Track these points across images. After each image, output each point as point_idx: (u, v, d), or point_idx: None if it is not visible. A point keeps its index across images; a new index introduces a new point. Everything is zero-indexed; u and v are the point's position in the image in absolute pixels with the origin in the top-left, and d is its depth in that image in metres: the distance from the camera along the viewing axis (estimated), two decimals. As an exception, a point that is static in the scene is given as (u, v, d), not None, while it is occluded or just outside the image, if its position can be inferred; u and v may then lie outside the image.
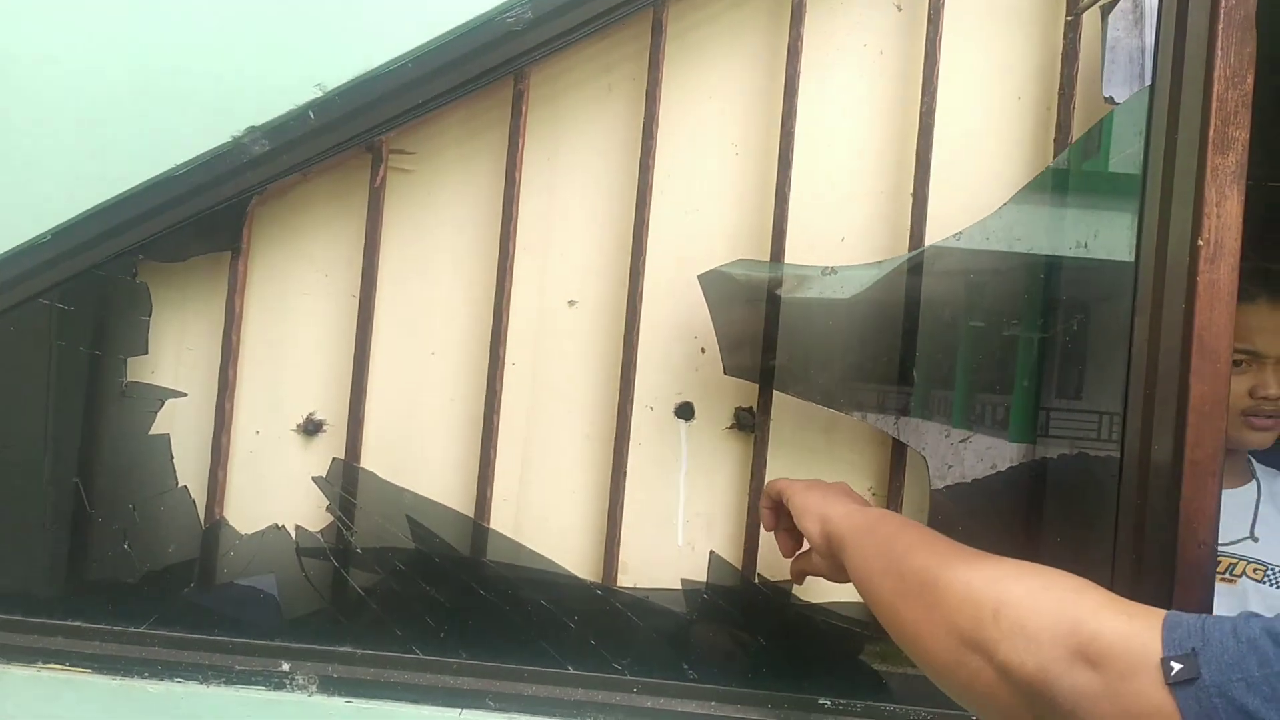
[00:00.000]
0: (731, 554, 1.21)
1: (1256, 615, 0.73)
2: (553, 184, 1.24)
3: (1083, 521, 1.23)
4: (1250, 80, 1.13)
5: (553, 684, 1.15)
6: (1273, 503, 1.63)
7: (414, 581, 1.18)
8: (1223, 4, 1.11)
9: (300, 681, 1.15)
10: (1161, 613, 0.75)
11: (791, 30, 1.20)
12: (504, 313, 1.21)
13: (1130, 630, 0.74)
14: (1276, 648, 0.68)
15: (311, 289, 1.24)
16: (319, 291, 1.24)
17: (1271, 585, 1.56)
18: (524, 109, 1.20)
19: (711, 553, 1.21)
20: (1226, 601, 1.55)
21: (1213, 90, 1.12)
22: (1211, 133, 1.12)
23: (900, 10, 1.23)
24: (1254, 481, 1.64)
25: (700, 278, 1.19)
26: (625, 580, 1.21)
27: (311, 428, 1.23)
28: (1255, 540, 1.57)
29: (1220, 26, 1.11)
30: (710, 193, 1.23)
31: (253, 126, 1.15)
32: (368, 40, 1.15)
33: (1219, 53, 1.11)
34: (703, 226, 1.23)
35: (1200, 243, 1.12)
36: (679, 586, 1.20)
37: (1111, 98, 1.17)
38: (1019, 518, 1.23)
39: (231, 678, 1.17)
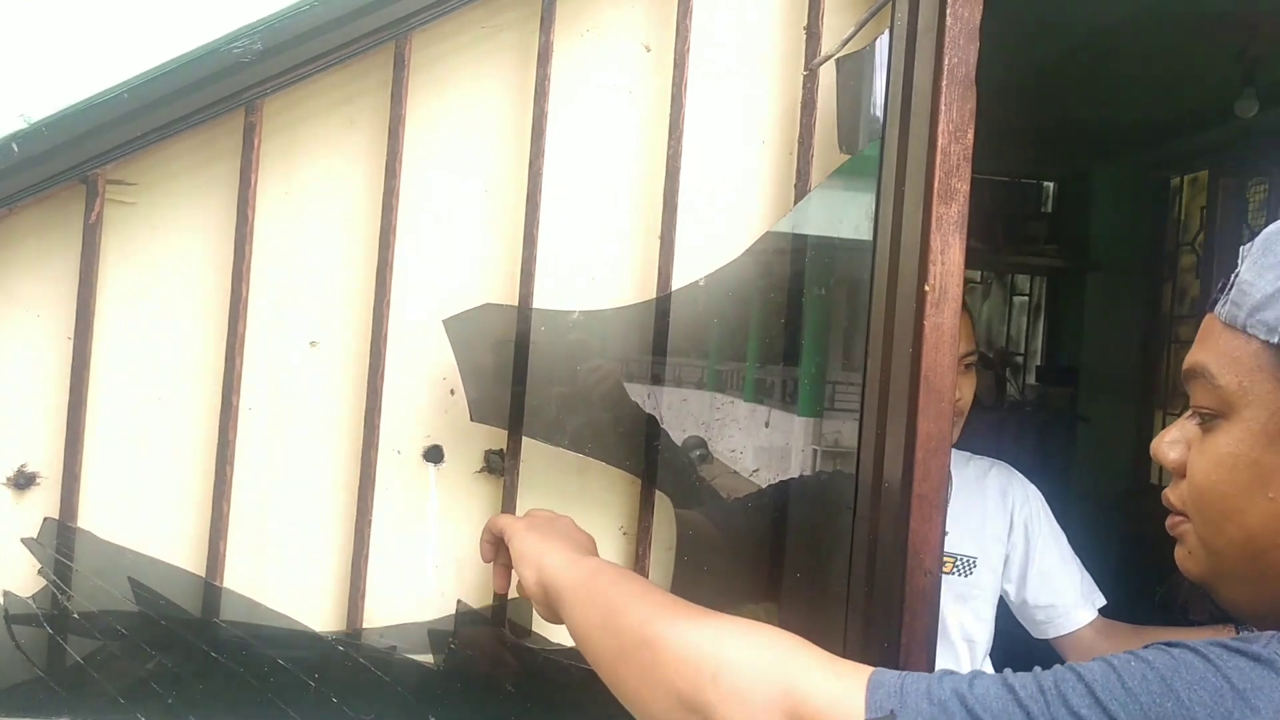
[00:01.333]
0: (483, 599, 1.20)
1: (950, 674, 0.78)
2: (291, 218, 1.18)
3: (821, 554, 1.28)
4: (971, 135, 1.20)
5: (292, 745, 1.11)
6: (963, 493, 1.70)
7: (138, 647, 1.11)
8: (946, 62, 1.17)
9: (10, 759, 1.07)
10: (868, 672, 0.79)
11: (539, 69, 1.18)
12: (237, 355, 1.15)
13: (838, 692, 0.78)
14: (964, 709, 0.73)
15: (20, 330, 1.14)
16: (29, 333, 1.14)
17: (958, 575, 1.66)
18: (256, 142, 1.13)
19: (459, 601, 1.19)
20: None
21: (937, 144, 1.17)
22: (936, 184, 1.17)
23: (649, 51, 1.23)
24: None
25: (446, 323, 1.16)
26: (372, 632, 1.17)
27: (23, 481, 1.13)
28: (945, 534, 1.66)
29: (944, 84, 1.17)
30: (459, 232, 1.20)
31: (-56, 158, 1.04)
32: (79, 69, 1.06)
33: (942, 109, 1.17)
34: (451, 266, 1.20)
35: (926, 289, 1.18)
36: (427, 636, 1.18)
37: (845, 149, 1.21)
38: (763, 552, 1.27)
39: (-69, 758, 1.07)
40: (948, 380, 1.20)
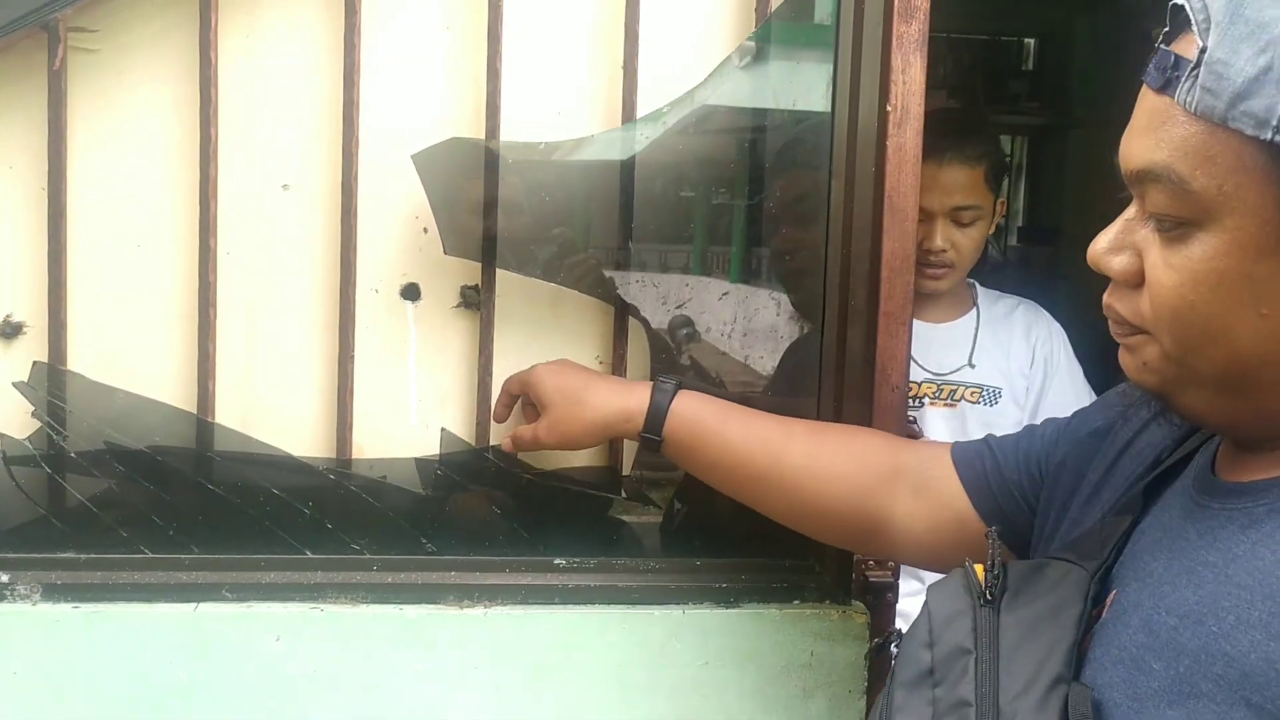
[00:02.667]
0: (464, 429, 1.24)
1: None
2: (254, 61, 1.19)
3: (791, 367, 1.32)
4: (930, -50, 1.20)
5: (291, 570, 1.16)
6: (990, 328, 1.79)
7: (136, 482, 1.15)
8: (903, -125, 1.16)
9: (22, 591, 1.11)
10: None
11: (493, -102, 1.17)
12: (210, 200, 1.16)
13: None
14: None
15: (-6, 183, 1.16)
16: (3, 185, 1.16)
17: (985, 405, 1.74)
18: (214, -17, 1.13)
19: (442, 429, 1.23)
20: (949, 425, 1.72)
21: (895, -39, 1.17)
22: (896, 2, 1.18)
23: (604, -123, 1.22)
24: (974, 310, 1.80)
25: (414, 158, 1.17)
26: (361, 463, 1.22)
27: (10, 330, 1.16)
28: (973, 367, 1.74)
29: (901, -104, 1.16)
30: (423, 70, 1.21)
31: (-101, 5, 1.04)
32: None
33: (900, -76, 1.17)
34: (417, 105, 1.21)
35: (888, 108, 1.19)
36: (414, 467, 1.22)
37: (804, -32, 1.21)
38: (734, 374, 1.31)
39: (-55, 595, 1.12)
40: (911, 200, 1.22)
